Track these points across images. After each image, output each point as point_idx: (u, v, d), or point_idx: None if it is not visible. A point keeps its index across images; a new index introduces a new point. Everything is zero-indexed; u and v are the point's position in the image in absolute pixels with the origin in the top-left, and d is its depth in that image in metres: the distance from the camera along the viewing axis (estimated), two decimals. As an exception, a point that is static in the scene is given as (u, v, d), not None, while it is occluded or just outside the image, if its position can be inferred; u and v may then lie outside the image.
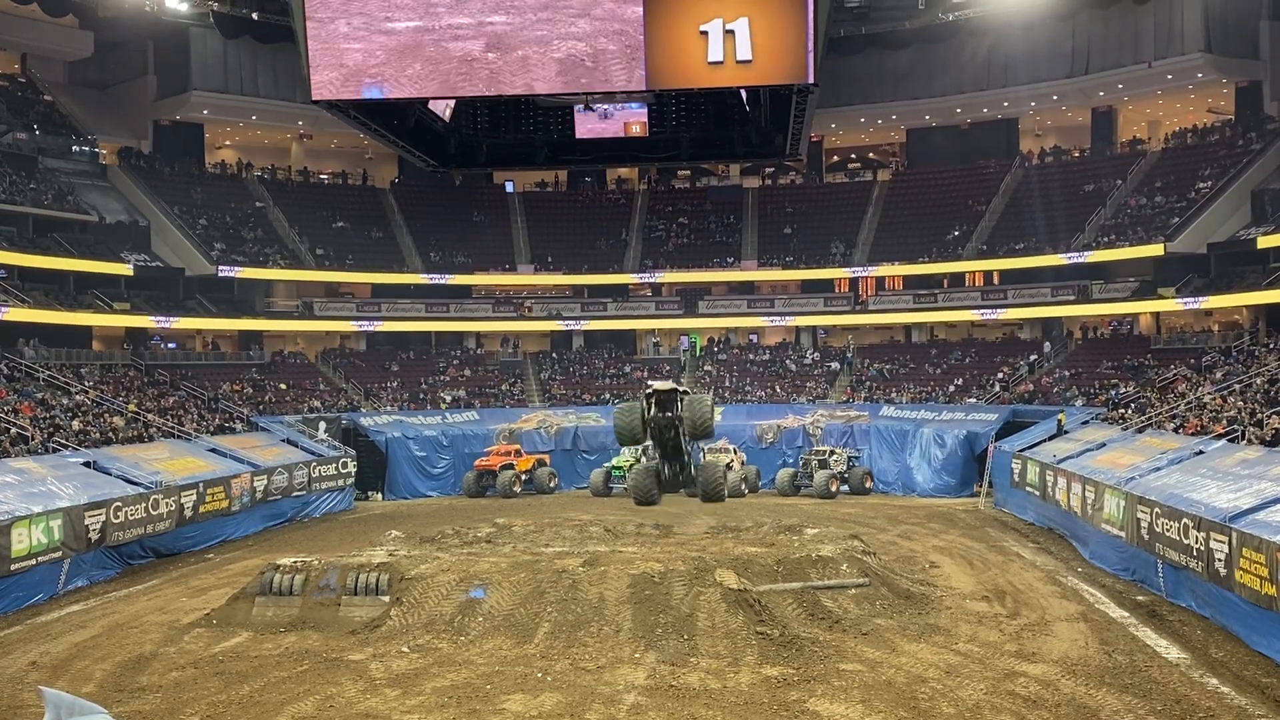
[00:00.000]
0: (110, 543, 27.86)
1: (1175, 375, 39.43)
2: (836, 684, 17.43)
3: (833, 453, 42.66)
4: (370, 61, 13.83)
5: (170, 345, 49.63)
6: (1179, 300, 44.40)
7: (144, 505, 29.35)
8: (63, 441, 32.36)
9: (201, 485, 32.55)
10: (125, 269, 46.41)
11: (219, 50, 52.21)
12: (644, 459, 42.16)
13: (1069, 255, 48.40)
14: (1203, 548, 21.05)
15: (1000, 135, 57.43)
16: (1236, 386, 34.30)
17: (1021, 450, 37.61)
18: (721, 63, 13.11)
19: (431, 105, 16.69)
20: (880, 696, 16.75)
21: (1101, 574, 26.57)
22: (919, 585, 24.33)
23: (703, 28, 13.09)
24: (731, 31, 13.01)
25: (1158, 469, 28.15)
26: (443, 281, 54.67)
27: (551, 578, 21.81)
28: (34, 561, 24.72)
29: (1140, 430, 34.46)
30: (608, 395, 51.54)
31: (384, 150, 45.80)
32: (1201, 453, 28.45)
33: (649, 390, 37.19)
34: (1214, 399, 33.91)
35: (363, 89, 14.06)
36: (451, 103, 16.85)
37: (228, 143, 58.91)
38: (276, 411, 44.88)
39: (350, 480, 41.53)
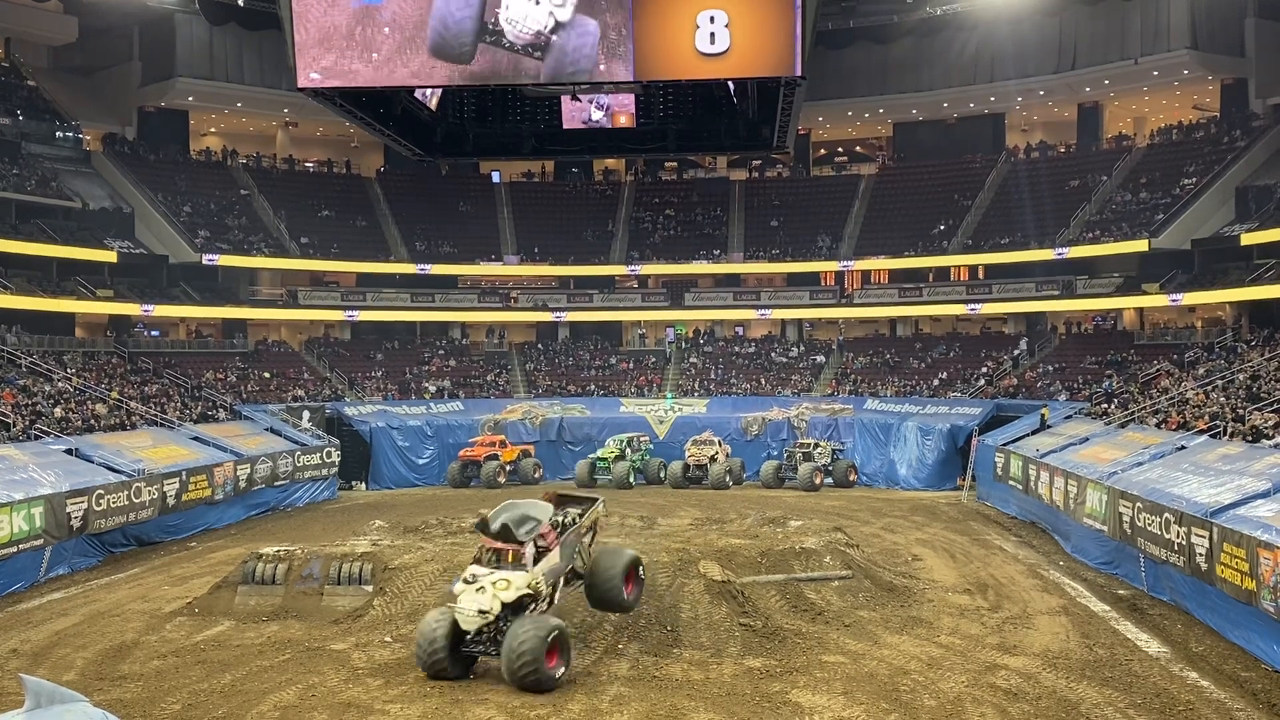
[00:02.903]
0: (92, 530, 27.74)
1: (1158, 371, 39.63)
2: (819, 675, 17.49)
3: (817, 445, 42.72)
4: (357, 49, 13.76)
5: (153, 333, 49.37)
6: (1163, 296, 44.57)
7: (126, 493, 29.23)
8: (45, 429, 32.21)
9: (184, 473, 32.42)
10: (109, 256, 46.13)
11: (204, 37, 51.89)
12: (622, 461, 41.99)
13: (1054, 250, 48.55)
14: (1184, 542, 21.17)
15: (987, 130, 57.57)
16: (1219, 382, 34.50)
17: (1005, 444, 37.75)
18: (709, 54, 13.09)
19: (418, 94, 16.61)
20: (862, 688, 16.82)
21: (1083, 568, 26.71)
22: (901, 578, 24.42)
23: (692, 19, 13.07)
24: (720, 23, 12.98)
25: (1140, 464, 28.29)
26: (428, 271, 54.48)
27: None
28: (15, 549, 24.61)
29: (1123, 425, 34.63)
30: (593, 387, 51.54)
31: (370, 139, 45.33)
32: (1184, 448, 28.61)
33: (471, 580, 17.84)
34: (1196, 394, 34.09)
35: (348, 76, 13.99)
36: (438, 91, 16.78)
37: (213, 130, 58.61)
38: (260, 400, 44.72)
39: (334, 470, 41.41)
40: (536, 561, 17.62)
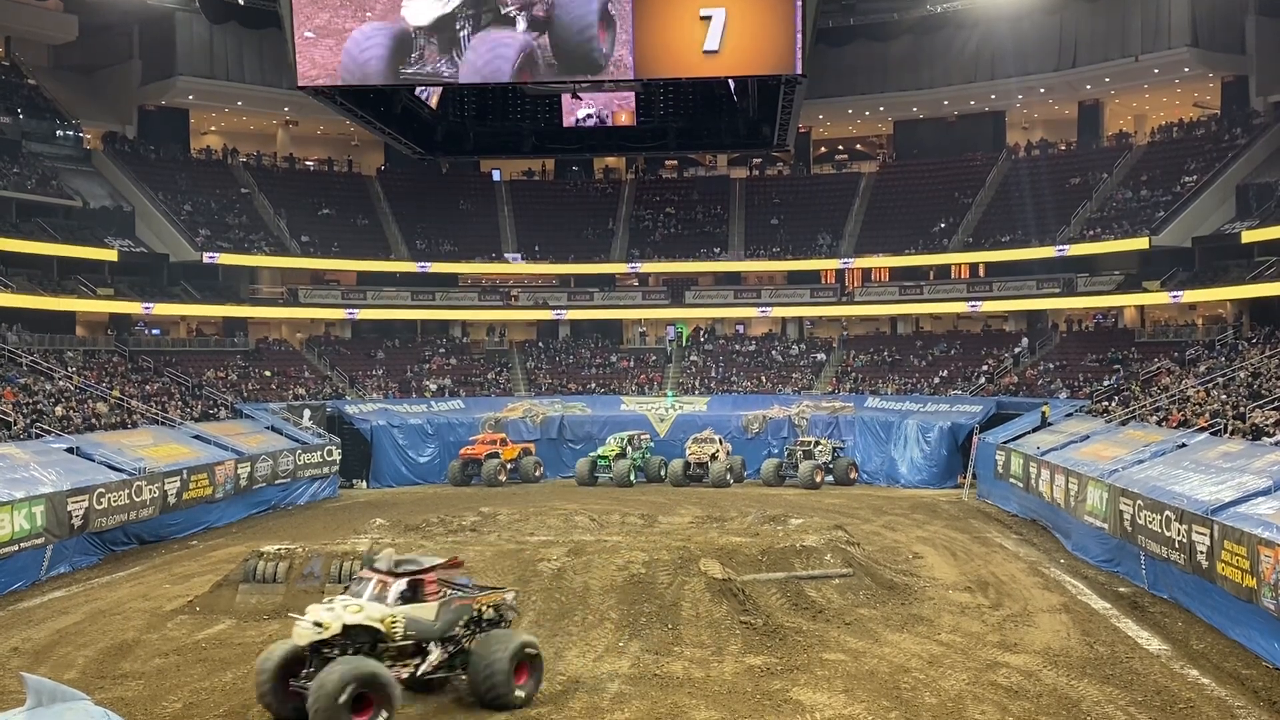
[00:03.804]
0: (93, 529, 27.75)
1: (1159, 368, 39.62)
2: (819, 673, 17.49)
3: (818, 443, 42.72)
4: (357, 47, 13.77)
5: (154, 331, 49.37)
6: (1164, 293, 44.56)
7: (127, 492, 29.24)
8: (45, 427, 32.21)
9: (185, 472, 32.43)
10: (109, 254, 46.11)
11: (205, 35, 51.89)
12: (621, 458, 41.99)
13: (1055, 248, 48.52)
14: (1185, 540, 21.17)
15: (987, 128, 57.51)
16: (1220, 380, 34.48)
17: (1005, 442, 37.74)
18: (710, 52, 13.10)
19: (418, 92, 16.62)
20: (863, 686, 16.82)
21: (1084, 565, 26.71)
22: (902, 576, 24.42)
23: (693, 16, 13.07)
24: (720, 22, 12.98)
25: (1140, 461, 28.27)
26: (428, 270, 54.43)
27: (536, 567, 21.83)
28: (16, 548, 24.62)
29: (1123, 423, 34.61)
30: (594, 385, 51.54)
31: (370, 137, 45.44)
32: (1184, 445, 28.60)
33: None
34: (1197, 392, 34.08)
35: (349, 75, 13.99)
36: (438, 90, 16.78)
37: (213, 128, 58.58)
38: (261, 399, 44.70)
39: (334, 468, 41.41)
40: (403, 602, 15.62)
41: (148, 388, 40.64)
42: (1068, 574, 25.69)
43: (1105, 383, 41.32)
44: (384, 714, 14.54)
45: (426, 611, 15.77)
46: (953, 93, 55.56)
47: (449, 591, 16.65)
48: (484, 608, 16.71)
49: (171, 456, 33.45)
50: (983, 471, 39.41)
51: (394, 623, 15.33)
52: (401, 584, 15.71)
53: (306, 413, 43.59)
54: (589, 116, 16.93)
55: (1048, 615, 21.46)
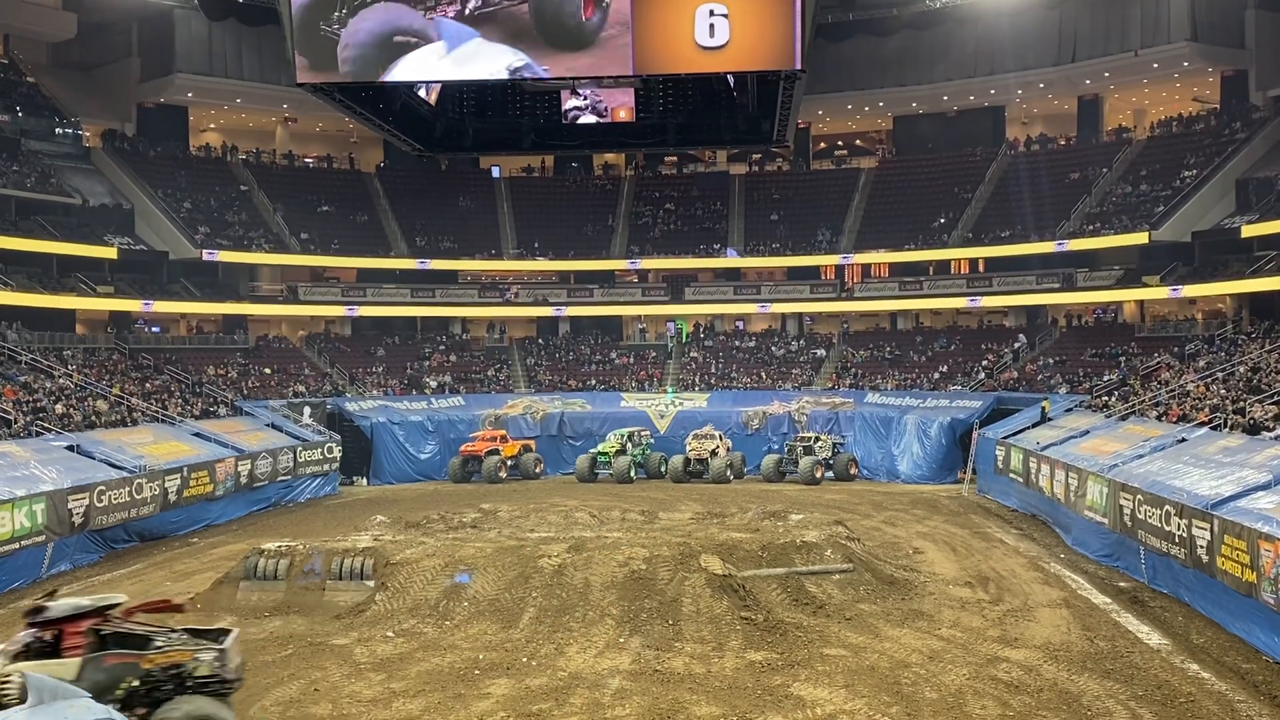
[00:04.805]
0: (94, 527, 27.77)
1: (1159, 363, 39.63)
2: (820, 669, 17.51)
3: (818, 439, 42.74)
4: (356, 44, 13.74)
5: (154, 329, 49.40)
6: (1163, 288, 44.57)
7: (127, 489, 29.26)
8: (46, 425, 32.22)
9: (185, 469, 32.45)
10: (109, 252, 46.14)
11: (204, 32, 51.88)
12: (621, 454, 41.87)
13: (1054, 243, 48.50)
14: (1185, 534, 21.19)
15: (987, 123, 57.49)
16: (1219, 374, 34.49)
17: (1005, 437, 37.74)
18: (709, 48, 13.08)
19: (417, 88, 16.61)
20: (863, 681, 16.83)
21: (1084, 560, 26.73)
22: (902, 571, 24.43)
23: (692, 12, 13.05)
24: (719, 16, 12.97)
25: (1140, 456, 28.28)
26: (428, 266, 54.46)
27: (536, 563, 21.84)
28: (17, 545, 24.66)
29: (1123, 418, 34.61)
30: (594, 381, 51.56)
31: (369, 134, 45.49)
32: (1184, 440, 28.59)
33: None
34: (1197, 387, 34.08)
35: (348, 72, 13.98)
36: (437, 86, 16.77)
37: (212, 126, 58.54)
38: (261, 396, 44.72)
39: (335, 465, 41.44)
40: (24, 657, 12.73)
41: (148, 385, 40.65)
42: (1068, 569, 25.70)
43: (1105, 378, 41.31)
44: None
45: (62, 670, 12.61)
46: (952, 88, 55.56)
47: (162, 643, 13.66)
48: (193, 663, 13.56)
49: (172, 454, 33.48)
50: (983, 467, 39.42)
51: (4, 683, 12.10)
52: (26, 636, 12.91)
53: (307, 410, 43.60)
54: (578, 108, 16.89)
55: (1048, 610, 21.48)
